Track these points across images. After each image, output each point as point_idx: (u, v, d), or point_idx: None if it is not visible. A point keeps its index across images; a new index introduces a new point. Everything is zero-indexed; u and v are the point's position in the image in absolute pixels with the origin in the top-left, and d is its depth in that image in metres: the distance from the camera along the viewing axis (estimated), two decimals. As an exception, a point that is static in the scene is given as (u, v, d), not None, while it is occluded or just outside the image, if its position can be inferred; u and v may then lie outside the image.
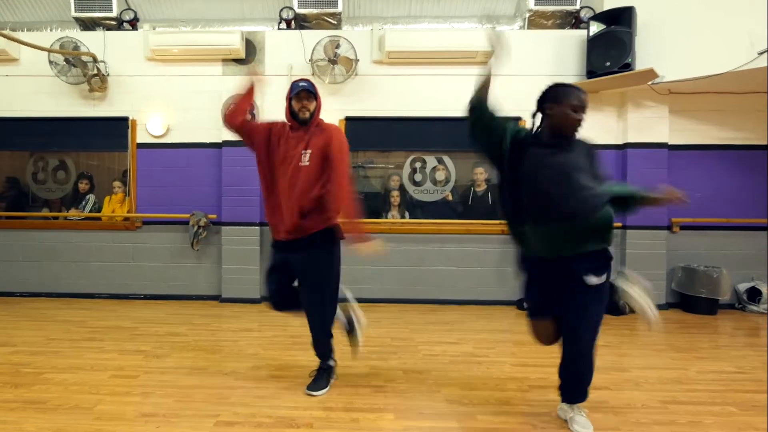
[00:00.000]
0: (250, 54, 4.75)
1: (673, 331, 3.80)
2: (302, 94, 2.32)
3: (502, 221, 2.13)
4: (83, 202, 5.00)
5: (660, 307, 4.46)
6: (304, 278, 2.42)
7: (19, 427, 2.02)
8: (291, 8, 4.71)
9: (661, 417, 2.20)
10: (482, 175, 4.91)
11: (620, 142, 4.65)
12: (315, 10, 4.70)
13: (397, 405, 2.30)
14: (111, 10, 4.79)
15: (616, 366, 2.92)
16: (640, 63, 4.25)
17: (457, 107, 4.67)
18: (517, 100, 4.62)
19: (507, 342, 3.42)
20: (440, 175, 4.93)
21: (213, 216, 4.70)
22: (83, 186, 5.01)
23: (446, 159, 4.93)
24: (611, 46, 4.25)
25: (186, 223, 4.69)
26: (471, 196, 4.94)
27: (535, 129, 2.04)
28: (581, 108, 1.94)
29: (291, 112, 2.38)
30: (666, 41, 4.25)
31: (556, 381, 2.60)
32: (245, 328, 3.75)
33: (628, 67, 4.19)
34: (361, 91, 4.72)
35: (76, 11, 4.79)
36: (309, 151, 2.30)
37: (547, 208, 1.90)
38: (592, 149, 1.98)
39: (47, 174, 5.07)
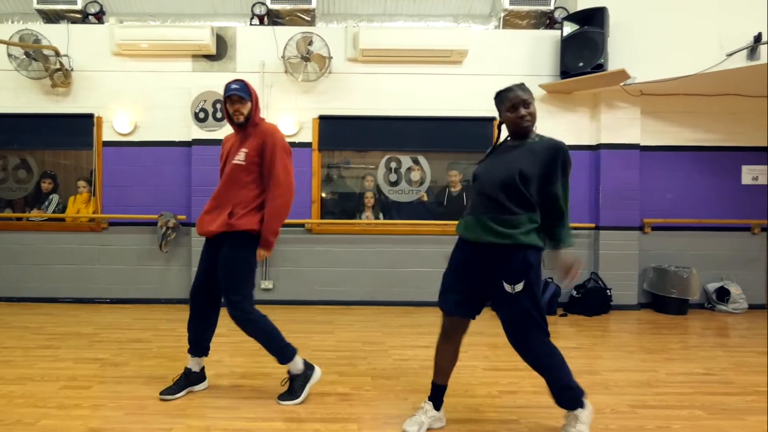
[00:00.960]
0: (221, 50, 4.59)
1: (644, 332, 3.79)
2: (233, 98, 2.21)
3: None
4: (46, 202, 4.75)
5: (632, 307, 4.49)
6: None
7: (-50, 447, 1.85)
8: (263, 3, 4.56)
9: (629, 422, 2.14)
10: (457, 176, 4.84)
11: (594, 142, 4.63)
12: (288, 6, 4.57)
13: (361, 414, 2.19)
14: (75, 3, 4.57)
15: (586, 369, 2.87)
16: (613, 64, 4.23)
17: (433, 106, 4.66)
18: (490, 101, 4.58)
19: (480, 345, 3.35)
20: (415, 176, 4.84)
21: (182, 217, 4.52)
22: (46, 185, 4.77)
23: (421, 159, 4.84)
24: (584, 47, 4.23)
25: (154, 224, 4.50)
26: (446, 196, 4.87)
27: (503, 138, 2.03)
28: (520, 104, 1.85)
29: (228, 116, 2.29)
30: (638, 43, 4.24)
31: (526, 386, 2.56)
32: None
33: (600, 67, 4.17)
34: (335, 90, 4.60)
35: (38, 3, 4.56)
36: (245, 150, 2.23)
37: (479, 202, 1.92)
38: (553, 151, 1.81)
39: (8, 173, 4.81)
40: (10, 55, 4.35)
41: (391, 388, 2.51)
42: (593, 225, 4.58)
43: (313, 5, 4.54)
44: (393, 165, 4.83)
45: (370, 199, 4.74)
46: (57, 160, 4.96)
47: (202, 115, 4.49)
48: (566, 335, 3.66)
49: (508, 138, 1.99)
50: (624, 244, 4.52)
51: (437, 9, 4.94)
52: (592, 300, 4.32)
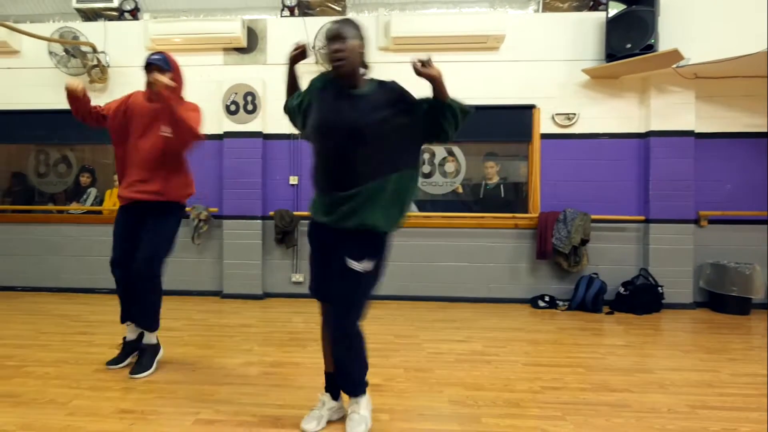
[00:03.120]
0: (251, 42, 4.65)
1: (702, 332, 3.54)
2: (152, 67, 2.31)
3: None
4: (84, 196, 4.95)
5: (686, 306, 4.23)
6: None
7: (-13, 420, 1.91)
8: (294, -6, 4.60)
9: (690, 423, 1.97)
10: (493, 168, 4.72)
11: (642, 130, 4.40)
12: (319, -3, 4.58)
13: (393, 405, 2.12)
14: (111, 0, 4.74)
15: (638, 367, 2.69)
16: (664, 44, 4.00)
17: (467, 95, 4.51)
18: (531, 88, 4.45)
19: (519, 341, 3.22)
20: (450, 167, 4.74)
21: (214, 209, 4.60)
22: (85, 179, 4.97)
23: (456, 150, 4.74)
24: (632, 27, 4.02)
25: (186, 216, 4.59)
26: (482, 189, 4.74)
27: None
28: (333, 38, 1.68)
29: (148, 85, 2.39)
30: (692, 21, 4.01)
31: (572, 382, 2.42)
32: (244, 323, 3.63)
33: (650, 48, 3.95)
34: (366, 80, 4.56)
35: (77, 2, 4.76)
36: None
37: (329, 174, 1.74)
38: (394, 88, 1.74)
39: (49, 167, 5.04)
40: (51, 53, 4.56)
41: (425, 380, 2.43)
42: (642, 218, 4.34)
43: (344, -6, 4.54)
44: (426, 156, 4.74)
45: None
46: (95, 155, 5.16)
47: (233, 107, 4.56)
48: (614, 333, 3.46)
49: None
50: (677, 238, 4.25)
51: (472, -6, 4.83)
52: (642, 298, 4.08)
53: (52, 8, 5.16)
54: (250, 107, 4.54)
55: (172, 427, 1.88)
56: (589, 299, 4.14)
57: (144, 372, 2.43)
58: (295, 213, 4.51)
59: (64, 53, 4.52)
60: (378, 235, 1.74)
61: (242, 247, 4.57)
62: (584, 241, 4.27)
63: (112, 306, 4.13)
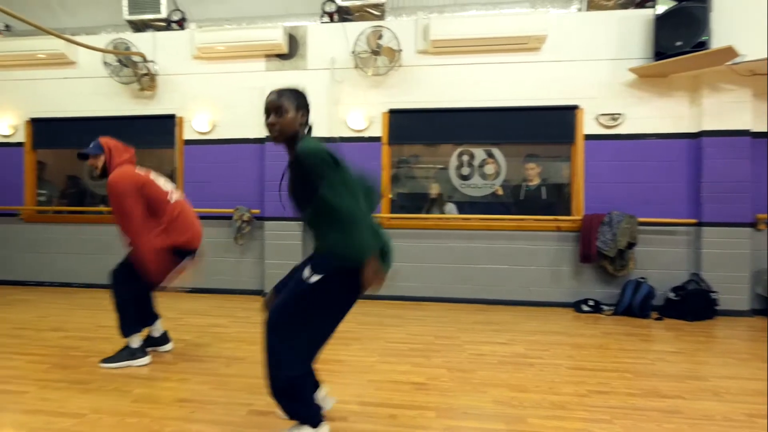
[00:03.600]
0: (292, 48, 4.83)
1: (759, 340, 3.41)
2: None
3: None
4: (134, 199, 5.26)
5: (742, 313, 4.09)
6: None
7: (62, 405, 2.10)
8: (333, 1, 4.74)
9: (746, 431, 1.95)
10: (534, 170, 4.71)
11: (694, 129, 4.29)
12: (358, 2, 4.70)
13: (439, 403, 2.19)
14: (160, 12, 5.03)
15: (690, 374, 2.65)
16: (717, 41, 3.89)
17: (508, 96, 4.57)
18: (576, 87, 4.43)
19: (563, 344, 3.21)
20: (489, 169, 4.76)
21: (256, 211, 4.80)
22: (135, 182, 5.28)
23: (496, 152, 4.76)
24: (683, 24, 3.95)
25: (230, 218, 4.81)
26: (523, 190, 4.74)
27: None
28: (268, 111, 1.73)
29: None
30: (748, 15, 3.88)
31: (619, 387, 2.41)
32: (285, 323, 3.77)
33: (703, 46, 3.86)
34: (404, 83, 4.66)
35: (128, 14, 5.09)
36: None
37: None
38: (300, 158, 1.64)
39: (102, 171, 5.39)
40: (105, 63, 4.89)
41: (468, 381, 2.48)
42: (694, 221, 4.22)
43: (383, -1, 4.65)
44: (465, 158, 4.79)
45: (436, 193, 4.76)
46: (141, 158, 5.46)
47: (275, 112, 4.75)
48: (663, 339, 3.39)
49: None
50: (732, 242, 4.12)
51: (512, -5, 4.84)
52: (694, 303, 3.97)
53: (105, 20, 5.52)
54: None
55: (229, 416, 2.01)
56: (637, 304, 4.06)
57: (111, 363, 2.65)
58: (335, 215, 4.64)
59: (117, 63, 4.84)
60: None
61: (283, 247, 4.74)
62: (631, 245, 4.19)
63: (161, 303, 4.39)
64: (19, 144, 5.28)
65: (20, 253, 5.28)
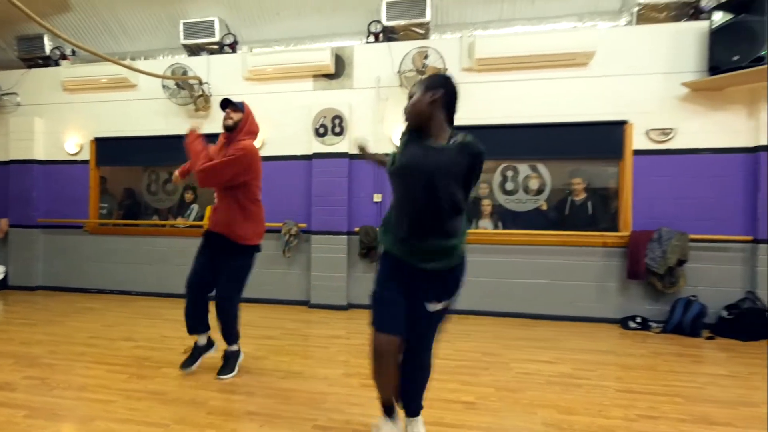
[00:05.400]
0: (339, 68, 5.09)
1: (819, 366, 3.37)
2: (226, 105, 2.80)
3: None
4: (188, 211, 5.66)
5: (803, 337, 4.00)
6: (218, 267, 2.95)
7: (147, 415, 2.38)
8: (379, 21, 4.97)
9: (802, 463, 2.00)
10: (581, 184, 4.76)
11: (752, 144, 4.24)
12: (402, 22, 4.91)
13: (490, 424, 2.33)
14: (214, 36, 5.40)
15: (743, 400, 2.68)
16: (775, 54, 3.86)
17: (554, 112, 4.66)
18: (625, 102, 4.47)
19: (610, 365, 3.28)
20: (533, 184, 4.85)
21: (303, 225, 5.07)
22: (189, 196, 5.68)
23: (540, 167, 4.84)
24: (740, 38, 3.94)
25: (278, 231, 5.10)
26: (568, 205, 4.80)
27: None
28: (411, 95, 1.89)
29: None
30: (808, 26, 3.83)
31: (669, 412, 2.49)
32: (334, 335, 4.00)
33: (761, 60, 3.84)
34: (448, 99, 4.81)
35: (184, 39, 5.49)
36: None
37: (415, 220, 1.85)
38: (473, 153, 1.81)
39: (158, 186, 5.82)
40: (164, 86, 5.29)
41: (517, 401, 2.62)
42: (750, 238, 4.17)
43: (428, 18, 4.82)
44: (509, 173, 4.89)
45: (487, 207, 4.87)
46: (197, 174, 5.86)
47: (321, 130, 5.01)
48: (715, 360, 3.40)
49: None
50: (791, 260, 4.06)
51: (559, 9, 4.89)
52: (748, 322, 3.94)
53: (163, 44, 5.97)
54: (337, 129, 4.97)
55: (297, 429, 2.23)
56: (687, 322, 4.06)
57: (229, 374, 2.91)
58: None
59: (175, 86, 5.23)
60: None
61: (328, 260, 4.99)
62: (681, 262, 4.19)
63: (213, 313, 4.72)
64: (85, 161, 5.78)
65: (85, 263, 5.77)
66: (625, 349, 3.68)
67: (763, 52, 3.82)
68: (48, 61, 5.93)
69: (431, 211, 1.81)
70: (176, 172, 3.21)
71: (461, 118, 4.73)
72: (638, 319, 4.31)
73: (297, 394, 2.66)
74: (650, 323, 4.27)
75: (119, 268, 5.67)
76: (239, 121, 2.82)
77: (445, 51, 4.68)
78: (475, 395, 2.68)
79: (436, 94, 1.85)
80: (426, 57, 4.63)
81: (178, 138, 5.53)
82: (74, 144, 5.77)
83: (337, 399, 2.60)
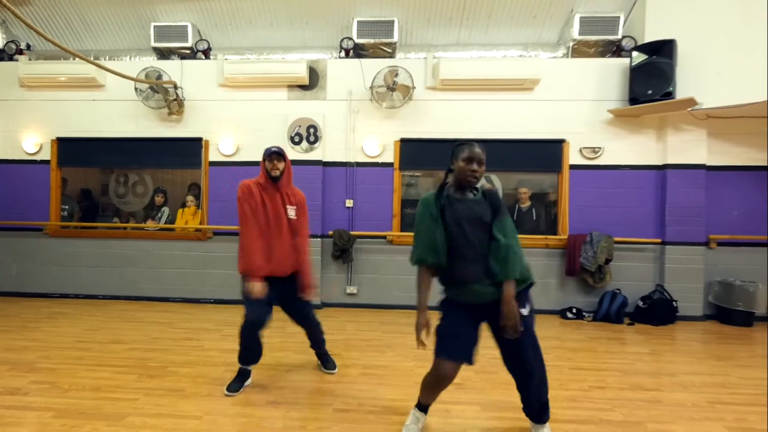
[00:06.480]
0: (313, 80, 5.27)
1: (711, 341, 4.16)
2: (273, 156, 2.77)
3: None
4: (159, 214, 5.56)
5: (697, 318, 4.85)
6: (294, 299, 3.09)
7: (176, 408, 2.51)
8: (351, 38, 5.22)
9: (710, 414, 2.59)
10: (527, 193, 5.34)
11: (660, 162, 5.02)
12: (372, 40, 5.20)
13: (478, 399, 2.74)
14: (187, 41, 5.35)
15: (663, 371, 3.31)
16: (681, 92, 4.64)
17: (505, 129, 5.18)
18: (563, 124, 5.08)
19: (559, 348, 3.82)
20: (487, 192, 5.36)
21: (278, 228, 5.19)
22: (159, 199, 5.58)
23: (493, 177, 5.36)
24: (653, 76, 4.65)
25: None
26: (516, 212, 5.36)
27: (446, 185, 2.28)
28: (472, 159, 2.12)
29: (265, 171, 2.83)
30: (706, 71, 4.63)
31: (613, 383, 3.02)
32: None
33: (669, 96, 4.58)
34: (414, 115, 5.19)
35: (155, 42, 5.38)
36: (294, 207, 2.93)
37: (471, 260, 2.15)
38: (495, 199, 2.21)
39: (127, 188, 5.65)
40: (137, 89, 5.17)
41: (495, 381, 3.05)
42: (659, 240, 4.96)
43: (395, 39, 5.16)
44: (466, 183, 5.36)
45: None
46: (165, 176, 5.77)
47: (297, 138, 5.17)
48: (637, 342, 4.07)
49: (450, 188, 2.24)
50: (690, 258, 4.88)
51: (507, 38, 5.45)
52: (658, 310, 4.70)
53: (128, 44, 5.79)
54: (312, 138, 5.16)
55: (320, 413, 2.48)
56: (613, 312, 4.76)
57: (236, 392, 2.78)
58: (351, 233, 5.12)
59: (149, 90, 5.13)
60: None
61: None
62: (608, 261, 4.88)
63: (192, 314, 4.75)
64: (45, 161, 5.47)
65: (45, 266, 5.47)
66: (567, 335, 4.27)
67: (671, 89, 4.57)
68: (2, 55, 5.52)
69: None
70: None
71: (428, 132, 5.19)
72: (574, 310, 4.95)
73: (307, 385, 2.89)
74: (584, 313, 4.94)
75: (83, 271, 5.44)
76: (283, 169, 2.84)
77: (412, 69, 5.04)
78: (460, 378, 3.03)
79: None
80: (396, 75, 4.95)
81: (149, 141, 5.48)
82: (33, 143, 5.43)
83: (344, 387, 2.87)
